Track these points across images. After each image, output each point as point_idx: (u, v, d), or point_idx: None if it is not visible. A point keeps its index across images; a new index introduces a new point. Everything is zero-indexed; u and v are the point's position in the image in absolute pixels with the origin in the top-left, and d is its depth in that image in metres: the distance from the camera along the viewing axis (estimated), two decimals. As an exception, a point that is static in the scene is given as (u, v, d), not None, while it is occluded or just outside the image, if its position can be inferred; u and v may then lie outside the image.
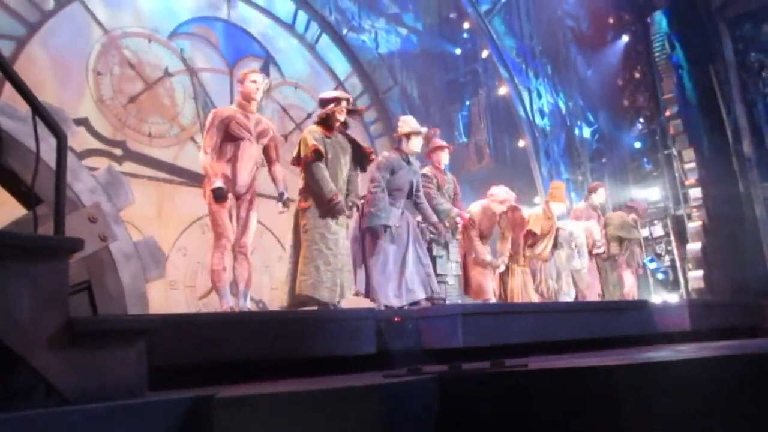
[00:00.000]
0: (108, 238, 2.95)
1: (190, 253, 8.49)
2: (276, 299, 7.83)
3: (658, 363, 1.86)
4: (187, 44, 9.34)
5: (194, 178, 9.04)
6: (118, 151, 8.25)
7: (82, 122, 7.80)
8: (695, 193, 12.02)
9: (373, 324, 3.50)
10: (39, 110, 2.07)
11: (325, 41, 11.40)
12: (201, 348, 2.98)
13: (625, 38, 13.52)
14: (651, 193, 13.27)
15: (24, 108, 2.38)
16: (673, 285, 12.31)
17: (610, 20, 13.82)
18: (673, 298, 11.17)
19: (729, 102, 12.98)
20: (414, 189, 5.58)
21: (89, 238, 2.79)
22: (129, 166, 8.19)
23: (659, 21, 12.46)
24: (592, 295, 7.94)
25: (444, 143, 6.46)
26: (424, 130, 5.71)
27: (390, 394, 1.75)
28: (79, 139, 7.08)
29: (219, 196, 4.59)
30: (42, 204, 2.56)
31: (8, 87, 2.19)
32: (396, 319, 3.76)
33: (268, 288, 8.69)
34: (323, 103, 5.03)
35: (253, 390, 2.01)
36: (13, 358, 1.73)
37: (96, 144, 8.02)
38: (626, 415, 1.68)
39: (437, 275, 5.75)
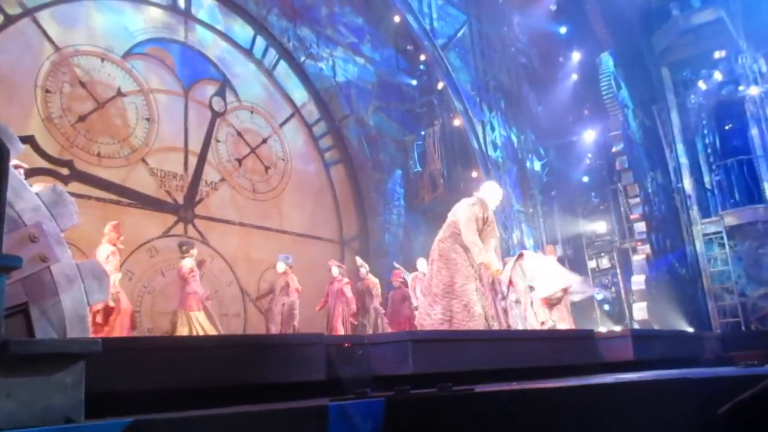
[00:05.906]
0: (49, 260, 2.85)
1: (137, 277, 8.25)
2: (224, 325, 7.65)
3: (595, 385, 1.91)
4: (141, 65, 9.22)
5: (143, 200, 8.83)
6: (64, 171, 8.02)
7: (28, 140, 7.56)
8: (640, 227, 12.45)
9: (323, 350, 3.47)
10: (-19, 123, 2.01)
11: (283, 67, 11.44)
12: (144, 374, 2.89)
13: (575, 77, 14.06)
14: (599, 226, 13.70)
15: (-35, 121, 2.30)
16: (618, 316, 12.65)
17: (561, 59, 14.38)
18: (618, 328, 11.47)
19: (671, 141, 13.59)
20: None
21: (29, 258, 2.69)
22: (76, 186, 7.95)
23: (606, 62, 13.00)
24: None
25: None
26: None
27: (337, 416, 1.74)
28: (24, 158, 6.85)
29: None
30: (-20, 222, 2.46)
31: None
32: (346, 344, 3.74)
33: (217, 314, 8.50)
34: None
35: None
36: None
37: (42, 163, 7.77)
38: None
39: None
